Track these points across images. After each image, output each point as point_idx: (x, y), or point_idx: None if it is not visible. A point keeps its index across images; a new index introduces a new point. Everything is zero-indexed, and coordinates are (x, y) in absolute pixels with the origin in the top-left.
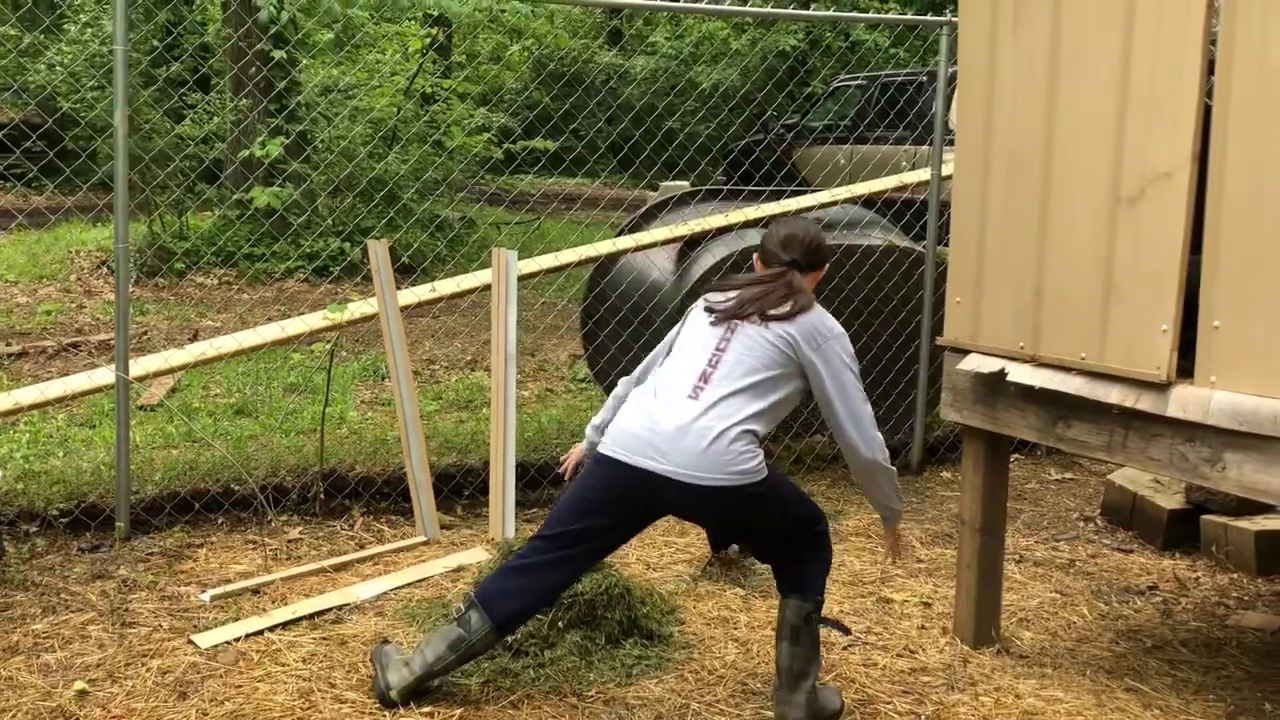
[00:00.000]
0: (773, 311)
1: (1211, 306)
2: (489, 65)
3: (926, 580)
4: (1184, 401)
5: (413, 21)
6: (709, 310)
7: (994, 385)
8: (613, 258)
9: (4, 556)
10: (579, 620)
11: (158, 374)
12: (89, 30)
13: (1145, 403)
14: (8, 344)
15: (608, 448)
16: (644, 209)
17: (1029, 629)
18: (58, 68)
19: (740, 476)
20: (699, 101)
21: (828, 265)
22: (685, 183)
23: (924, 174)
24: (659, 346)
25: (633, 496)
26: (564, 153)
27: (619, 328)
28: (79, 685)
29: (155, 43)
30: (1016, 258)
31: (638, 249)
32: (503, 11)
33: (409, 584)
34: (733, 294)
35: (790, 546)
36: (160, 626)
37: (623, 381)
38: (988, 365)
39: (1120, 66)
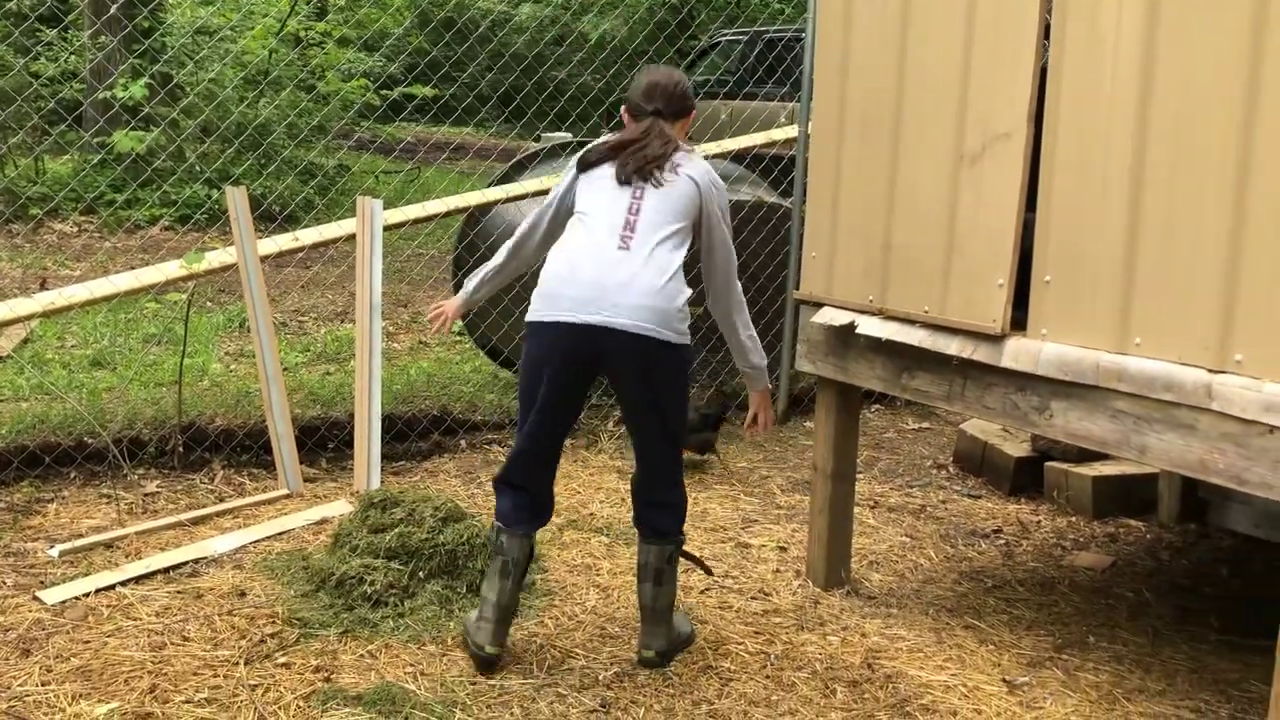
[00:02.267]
0: (659, 158)
1: (1044, 262)
2: (370, 10)
3: (786, 525)
4: (1016, 353)
5: None
6: (610, 171)
7: (845, 338)
8: (484, 208)
9: None
10: (440, 570)
11: (3, 324)
12: None
13: (981, 354)
14: None
15: (545, 314)
16: (515, 160)
17: (878, 571)
18: None
19: (675, 335)
20: (588, 53)
21: (695, 112)
22: (568, 134)
23: (792, 130)
24: (538, 212)
25: (579, 356)
26: (454, 101)
27: None
28: None
29: None
30: (867, 214)
31: (507, 200)
32: None
33: (269, 537)
34: (616, 156)
35: (665, 460)
36: (4, 584)
37: (503, 250)
38: (839, 318)
39: (964, 30)
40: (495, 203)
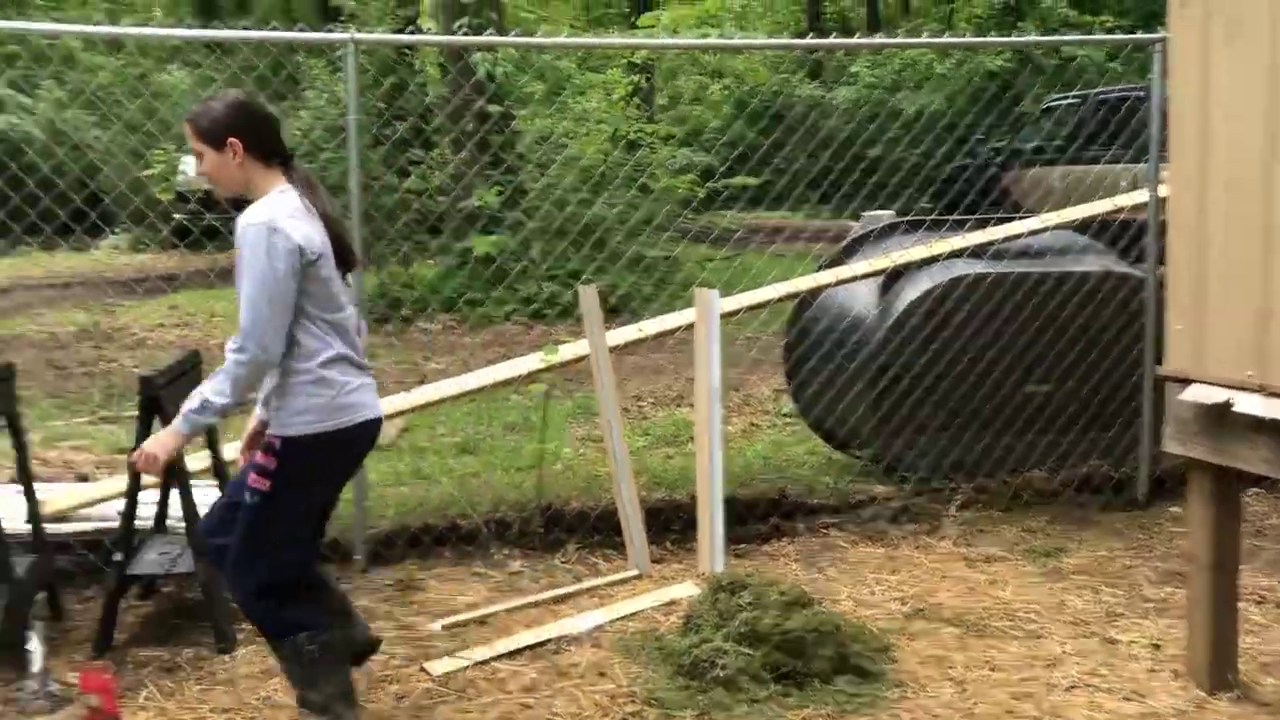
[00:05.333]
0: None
1: None
2: (691, 106)
3: (1157, 620)
4: None
5: (615, 69)
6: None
7: (1220, 416)
8: (814, 292)
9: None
10: (790, 656)
11: (390, 415)
12: (324, 97)
13: None
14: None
15: (372, 410)
16: (845, 242)
17: (1272, 675)
18: (295, 131)
19: None
20: (903, 128)
21: (232, 138)
22: (889, 211)
23: (1140, 195)
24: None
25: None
26: (768, 188)
27: (822, 362)
28: None
29: (381, 105)
30: (1240, 281)
31: (839, 283)
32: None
33: (623, 617)
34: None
35: None
36: (396, 654)
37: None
38: (1212, 396)
39: None
40: (826, 286)
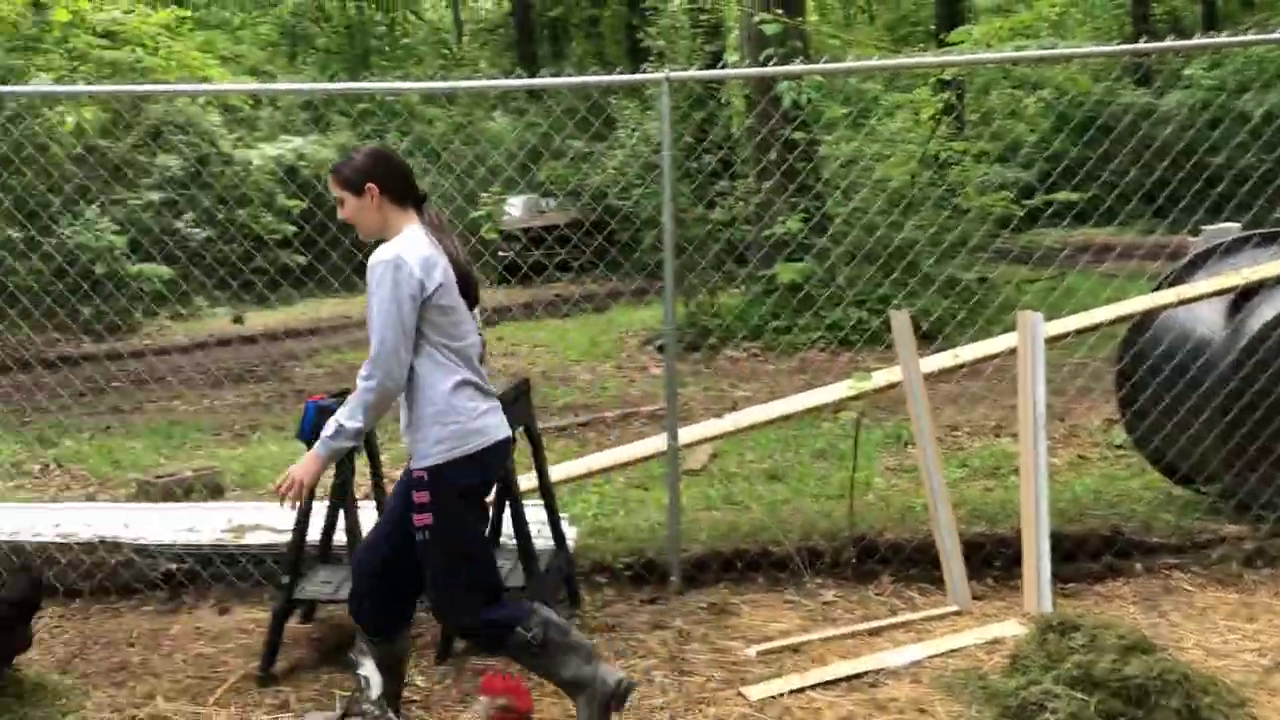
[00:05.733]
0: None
1: None
2: (1005, 121)
3: None
4: None
5: (923, 88)
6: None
7: None
8: (1151, 314)
9: (581, 605)
10: (1129, 704)
11: (701, 441)
12: (635, 135)
13: None
14: (577, 415)
15: (501, 431)
16: (1187, 259)
17: None
18: (610, 170)
19: None
20: (1249, 134)
21: (370, 184)
22: (1235, 225)
23: None
24: (401, 322)
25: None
26: (1095, 203)
27: (1161, 390)
28: None
29: (689, 139)
30: None
31: (1180, 303)
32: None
33: (943, 653)
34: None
35: None
36: (713, 677)
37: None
38: None
39: None
40: (1165, 307)
